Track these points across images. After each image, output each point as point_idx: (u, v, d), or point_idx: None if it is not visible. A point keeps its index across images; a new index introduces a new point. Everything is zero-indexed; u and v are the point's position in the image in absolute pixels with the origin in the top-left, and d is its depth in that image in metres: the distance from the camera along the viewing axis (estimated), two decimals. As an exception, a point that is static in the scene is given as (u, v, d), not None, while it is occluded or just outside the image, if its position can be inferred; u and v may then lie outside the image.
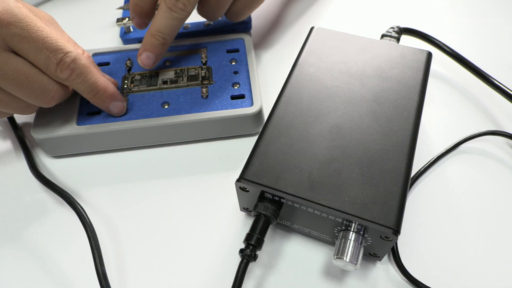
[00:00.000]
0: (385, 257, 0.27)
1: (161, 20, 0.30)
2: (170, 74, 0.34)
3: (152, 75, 0.34)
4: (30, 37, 0.25)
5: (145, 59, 0.32)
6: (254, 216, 0.25)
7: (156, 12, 0.31)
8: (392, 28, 0.35)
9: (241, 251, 0.24)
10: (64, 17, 0.44)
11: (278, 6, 0.45)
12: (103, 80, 0.30)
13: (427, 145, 0.32)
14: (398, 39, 0.34)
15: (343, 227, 0.24)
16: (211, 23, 0.40)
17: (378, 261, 0.27)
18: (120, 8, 0.40)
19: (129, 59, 0.35)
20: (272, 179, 0.24)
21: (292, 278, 0.26)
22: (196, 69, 0.34)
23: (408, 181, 0.24)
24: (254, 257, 0.24)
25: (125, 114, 0.31)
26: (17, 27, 0.25)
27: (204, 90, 0.32)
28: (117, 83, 0.33)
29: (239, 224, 0.29)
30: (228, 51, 0.36)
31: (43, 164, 0.32)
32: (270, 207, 0.24)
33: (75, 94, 0.32)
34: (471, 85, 0.36)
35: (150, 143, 0.32)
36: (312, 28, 0.33)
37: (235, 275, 0.23)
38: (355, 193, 0.23)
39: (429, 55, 0.31)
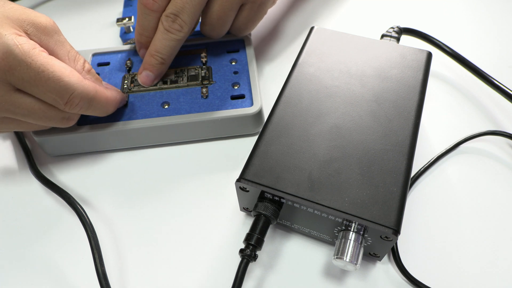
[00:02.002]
0: (385, 257, 0.27)
1: (158, 41, 0.31)
2: (170, 74, 0.34)
3: (152, 75, 0.34)
4: (33, 81, 0.25)
5: (144, 78, 0.32)
6: (254, 216, 0.25)
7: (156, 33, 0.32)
8: (392, 28, 0.35)
9: (241, 251, 0.24)
10: (65, 17, 0.44)
11: (278, 7, 0.45)
12: (109, 98, 0.30)
13: (427, 145, 0.32)
14: (398, 39, 0.34)
15: (343, 227, 0.24)
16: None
17: (378, 261, 0.27)
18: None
19: (129, 59, 0.35)
20: (272, 179, 0.24)
21: (292, 278, 0.26)
22: (196, 69, 0.34)
23: (408, 181, 0.24)
24: (254, 257, 0.24)
25: (125, 114, 0.31)
26: (19, 71, 0.24)
27: (204, 90, 0.32)
28: (120, 93, 0.32)
29: (239, 224, 0.29)
30: (228, 51, 0.36)
31: (43, 164, 0.32)
32: (270, 207, 0.24)
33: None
34: (471, 85, 0.36)
35: (150, 143, 0.32)
36: (312, 28, 0.33)
37: (235, 275, 0.23)
38: (355, 193, 0.23)
39: (429, 55, 0.31)
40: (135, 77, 0.34)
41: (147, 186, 0.31)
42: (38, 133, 0.30)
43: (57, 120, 0.28)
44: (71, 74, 0.26)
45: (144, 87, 0.33)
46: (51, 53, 0.27)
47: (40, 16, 0.27)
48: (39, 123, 0.28)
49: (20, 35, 0.25)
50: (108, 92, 0.29)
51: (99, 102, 0.28)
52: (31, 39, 0.26)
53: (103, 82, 0.31)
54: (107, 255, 0.27)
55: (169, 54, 0.32)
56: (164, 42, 0.31)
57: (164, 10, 0.30)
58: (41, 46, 0.26)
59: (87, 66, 0.29)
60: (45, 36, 0.27)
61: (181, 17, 0.30)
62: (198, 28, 0.39)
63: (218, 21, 0.32)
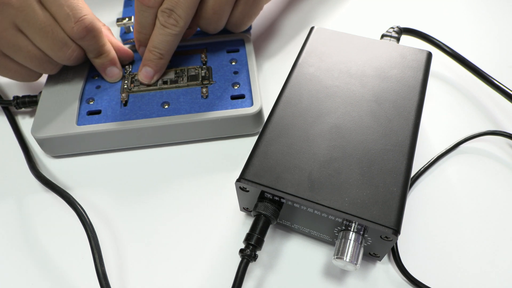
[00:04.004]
0: (385, 257, 0.27)
1: (155, 36, 0.31)
2: (170, 74, 0.34)
3: (152, 75, 0.34)
4: None
5: (143, 74, 0.33)
6: (254, 216, 0.25)
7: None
8: (392, 28, 0.35)
9: (241, 251, 0.24)
10: (64, 17, 0.44)
11: (278, 7, 0.45)
12: (109, 45, 0.33)
13: (427, 145, 0.32)
14: (398, 39, 0.34)
15: (343, 227, 0.24)
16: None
17: (378, 261, 0.27)
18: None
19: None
20: (272, 179, 0.24)
21: (292, 278, 0.26)
22: (196, 69, 0.34)
23: (408, 181, 0.24)
24: (254, 257, 0.24)
25: (125, 114, 0.31)
26: None
27: (204, 90, 0.32)
28: (131, 54, 0.35)
29: (239, 224, 0.29)
30: (228, 51, 0.36)
31: (43, 164, 0.32)
32: (270, 207, 0.24)
33: (75, 93, 0.33)
34: (471, 85, 0.36)
35: (150, 143, 0.32)
36: (312, 28, 0.33)
37: (235, 275, 0.23)
38: (355, 193, 0.23)
39: (429, 55, 0.31)
40: (135, 77, 0.34)
41: (147, 186, 0.31)
42: (38, 133, 0.30)
43: (56, 48, 0.29)
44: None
45: (144, 86, 0.33)
46: None
47: None
48: (28, 63, 0.30)
49: None
50: (109, 43, 0.33)
51: (100, 38, 0.31)
52: None
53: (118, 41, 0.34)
54: (107, 255, 0.27)
55: (166, 49, 0.32)
56: (161, 37, 0.31)
57: (160, 5, 0.31)
58: None
59: (106, 27, 0.33)
60: None
61: (176, 11, 0.30)
62: (198, 28, 0.39)
63: (214, 15, 0.32)
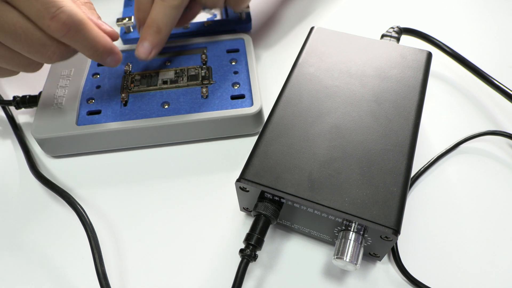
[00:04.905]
0: (385, 257, 0.27)
1: (154, 10, 0.30)
2: (170, 74, 0.34)
3: (152, 75, 0.34)
4: None
5: (140, 49, 0.31)
6: (254, 216, 0.25)
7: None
8: (392, 28, 0.35)
9: (241, 251, 0.24)
10: (64, 17, 0.44)
11: (278, 6, 0.45)
12: (101, 35, 0.28)
13: (427, 145, 0.32)
14: (398, 39, 0.34)
15: (343, 227, 0.24)
16: (211, 23, 0.40)
17: (378, 261, 0.27)
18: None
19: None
20: (272, 179, 0.24)
21: (292, 278, 0.26)
22: (196, 69, 0.34)
23: (408, 181, 0.24)
24: (254, 257, 0.24)
25: (125, 114, 0.31)
26: None
27: (204, 90, 0.32)
28: (115, 32, 0.30)
29: (239, 224, 0.29)
30: (228, 51, 0.36)
31: (43, 164, 0.32)
32: (270, 207, 0.24)
33: (75, 92, 0.33)
34: (471, 85, 0.36)
35: (150, 143, 0.32)
36: (312, 28, 0.33)
37: (235, 275, 0.23)
38: (355, 193, 0.23)
39: (429, 55, 0.31)
40: (135, 77, 0.34)
41: (147, 186, 0.31)
42: (38, 133, 0.30)
43: (33, 51, 0.25)
44: None
45: (144, 86, 0.33)
46: None
47: None
48: (8, 66, 0.27)
49: None
50: (99, 31, 0.28)
51: (87, 31, 0.26)
52: None
53: (101, 21, 0.29)
54: (107, 255, 0.27)
55: (165, 22, 0.31)
56: (160, 11, 0.30)
57: None
58: None
59: None
60: None
61: None
62: (198, 28, 0.39)
63: None
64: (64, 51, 0.27)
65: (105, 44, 0.28)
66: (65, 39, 0.26)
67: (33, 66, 0.28)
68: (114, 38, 0.30)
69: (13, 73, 0.29)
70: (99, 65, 0.35)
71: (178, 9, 0.31)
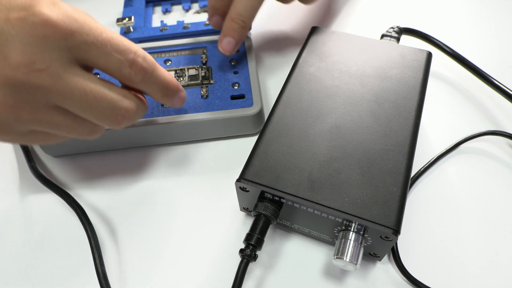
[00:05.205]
0: (385, 257, 0.27)
1: (239, 2, 0.30)
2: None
3: (152, 75, 0.34)
4: (97, 42, 0.22)
5: (226, 45, 0.31)
6: (254, 216, 0.25)
7: None
8: (392, 28, 0.35)
9: (241, 251, 0.24)
10: (64, 17, 0.44)
11: (278, 7, 0.45)
12: (168, 74, 0.27)
13: (427, 145, 0.32)
14: (398, 39, 0.34)
15: (343, 227, 0.24)
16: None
17: (378, 261, 0.27)
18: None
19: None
20: (272, 179, 0.24)
21: (292, 278, 0.26)
22: (196, 69, 0.34)
23: (408, 181, 0.24)
24: (254, 257, 0.24)
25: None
26: (82, 33, 0.21)
27: (204, 90, 0.32)
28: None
29: (239, 224, 0.29)
30: (228, 51, 0.36)
31: (43, 164, 0.32)
32: (270, 207, 0.24)
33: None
34: (471, 85, 0.36)
35: (150, 143, 0.32)
36: (312, 28, 0.33)
37: (235, 275, 0.23)
38: (355, 193, 0.23)
39: (429, 55, 0.31)
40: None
41: (147, 186, 0.31)
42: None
43: (103, 117, 0.24)
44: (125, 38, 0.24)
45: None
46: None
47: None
48: (69, 135, 0.24)
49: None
50: (165, 70, 0.27)
51: (159, 70, 0.25)
52: None
53: None
54: (107, 255, 0.27)
55: (249, 15, 0.30)
56: (247, 4, 0.30)
57: None
58: None
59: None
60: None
61: None
62: (198, 28, 0.39)
63: None
64: (133, 113, 0.25)
65: (173, 81, 0.27)
66: (142, 83, 0.25)
67: (97, 133, 0.26)
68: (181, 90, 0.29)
69: (68, 138, 0.26)
70: None
71: (262, 1, 0.30)
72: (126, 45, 0.23)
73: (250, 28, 0.31)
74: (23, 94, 0.21)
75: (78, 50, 0.22)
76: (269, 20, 0.43)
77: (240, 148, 0.33)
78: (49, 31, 0.20)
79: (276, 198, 0.24)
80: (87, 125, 0.24)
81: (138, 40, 0.39)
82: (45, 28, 0.20)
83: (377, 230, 0.22)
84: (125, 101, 0.24)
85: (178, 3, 0.45)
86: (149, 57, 0.25)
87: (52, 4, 0.21)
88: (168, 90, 0.27)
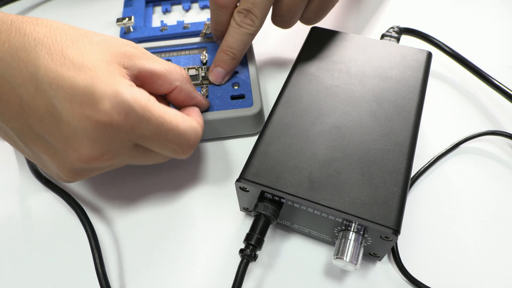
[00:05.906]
0: (385, 257, 0.27)
1: (230, 36, 0.31)
2: (170, 74, 0.34)
3: (152, 75, 0.34)
4: (154, 135, 0.23)
5: (215, 75, 0.33)
6: (254, 216, 0.25)
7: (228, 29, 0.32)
8: (392, 28, 0.35)
9: (241, 251, 0.24)
10: (64, 17, 0.44)
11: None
12: (206, 104, 0.31)
13: (427, 145, 0.32)
14: (398, 39, 0.34)
15: (343, 227, 0.24)
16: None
17: (378, 261, 0.27)
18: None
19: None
20: (272, 179, 0.24)
21: (292, 278, 0.26)
22: (196, 69, 0.34)
23: (408, 181, 0.24)
24: (254, 257, 0.24)
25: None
26: (141, 128, 0.23)
27: (204, 90, 0.32)
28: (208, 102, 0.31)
29: (239, 224, 0.29)
30: (228, 51, 0.36)
31: (43, 164, 0.32)
32: (270, 207, 0.24)
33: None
34: (471, 85, 0.36)
35: (150, 143, 0.32)
36: (312, 28, 0.33)
37: (235, 275, 0.23)
38: (355, 193, 0.23)
39: (429, 55, 0.31)
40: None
41: (147, 186, 0.31)
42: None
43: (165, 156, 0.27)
44: (183, 120, 0.25)
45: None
46: (151, 74, 0.25)
47: (122, 44, 0.25)
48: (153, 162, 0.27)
49: (132, 86, 0.23)
50: (200, 119, 0.28)
51: (200, 135, 0.27)
52: (131, 74, 0.24)
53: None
54: (107, 255, 0.27)
55: (240, 49, 0.32)
56: (236, 37, 0.31)
57: (234, 5, 0.31)
58: (141, 72, 0.25)
59: (184, 73, 0.28)
60: (139, 61, 0.25)
61: (253, 12, 0.30)
62: (198, 28, 0.39)
63: (288, 13, 0.32)
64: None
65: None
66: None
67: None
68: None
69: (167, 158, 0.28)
70: None
71: (253, 35, 0.32)
72: (180, 132, 0.25)
73: (240, 60, 0.33)
74: (92, 172, 0.25)
75: (136, 140, 0.24)
76: (269, 20, 0.43)
77: (240, 148, 0.33)
78: (113, 130, 0.22)
79: (276, 198, 0.24)
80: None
81: (138, 40, 0.39)
82: (110, 127, 0.22)
83: (377, 230, 0.22)
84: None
85: (178, 3, 0.45)
86: (199, 132, 0.26)
87: (115, 96, 0.21)
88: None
